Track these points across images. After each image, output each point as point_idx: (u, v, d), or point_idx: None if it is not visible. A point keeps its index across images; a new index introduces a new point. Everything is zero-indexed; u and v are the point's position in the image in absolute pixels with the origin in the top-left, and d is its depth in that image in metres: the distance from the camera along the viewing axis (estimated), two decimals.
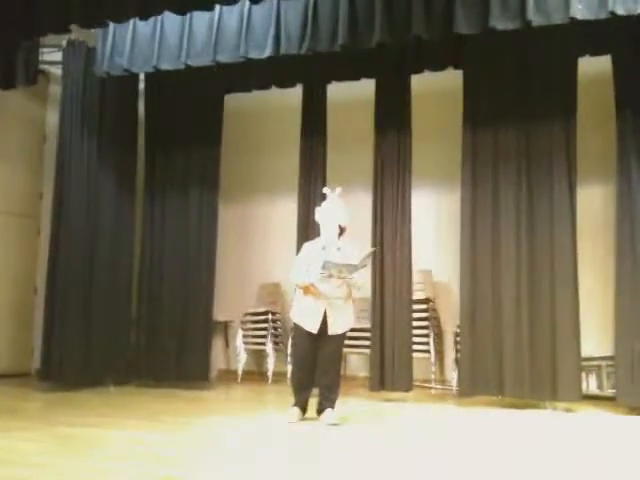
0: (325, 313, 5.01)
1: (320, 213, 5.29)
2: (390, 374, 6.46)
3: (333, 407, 5.07)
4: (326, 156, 7.15)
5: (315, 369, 5.06)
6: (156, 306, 7.35)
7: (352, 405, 6.02)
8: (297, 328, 5.15)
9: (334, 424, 4.93)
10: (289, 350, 6.88)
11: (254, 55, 6.22)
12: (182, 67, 6.48)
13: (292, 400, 5.16)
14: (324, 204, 5.32)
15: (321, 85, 7.25)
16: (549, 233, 6.13)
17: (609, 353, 6.14)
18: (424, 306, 7.11)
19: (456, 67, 6.70)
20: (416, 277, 6.91)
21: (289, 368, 6.54)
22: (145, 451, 4.13)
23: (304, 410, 5.15)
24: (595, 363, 6.45)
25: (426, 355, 7.02)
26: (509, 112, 6.38)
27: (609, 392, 6.22)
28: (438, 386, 7.05)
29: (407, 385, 6.44)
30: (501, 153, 6.38)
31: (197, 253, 7.36)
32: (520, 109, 6.34)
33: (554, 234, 6.10)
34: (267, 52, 6.12)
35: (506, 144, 6.37)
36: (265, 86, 7.32)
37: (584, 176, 6.36)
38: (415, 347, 6.68)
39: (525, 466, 3.87)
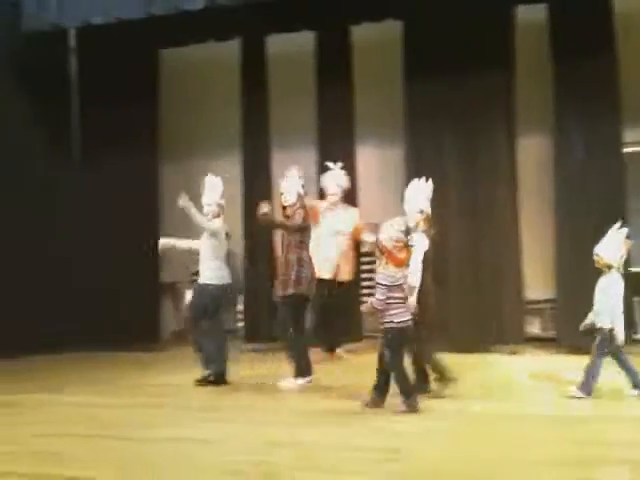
0: None
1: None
2: None
3: None
4: (268, 110, 7.01)
5: None
6: (99, 272, 7.14)
7: None
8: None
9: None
10: None
11: (187, 6, 6.01)
12: (113, 21, 6.22)
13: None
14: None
15: (260, 37, 7.07)
16: (491, 181, 6.22)
17: (552, 296, 6.29)
18: None
19: (395, 18, 6.61)
20: None
21: None
22: (88, 413, 4.08)
23: None
24: (538, 306, 6.61)
25: None
26: (448, 63, 6.32)
27: (551, 334, 6.39)
28: None
29: None
30: (441, 104, 6.36)
31: (137, 213, 7.16)
32: (459, 59, 6.29)
33: (495, 183, 6.20)
34: (200, 3, 5.93)
35: (446, 95, 6.34)
36: (202, 39, 7.10)
37: (523, 127, 6.41)
38: None
39: None
